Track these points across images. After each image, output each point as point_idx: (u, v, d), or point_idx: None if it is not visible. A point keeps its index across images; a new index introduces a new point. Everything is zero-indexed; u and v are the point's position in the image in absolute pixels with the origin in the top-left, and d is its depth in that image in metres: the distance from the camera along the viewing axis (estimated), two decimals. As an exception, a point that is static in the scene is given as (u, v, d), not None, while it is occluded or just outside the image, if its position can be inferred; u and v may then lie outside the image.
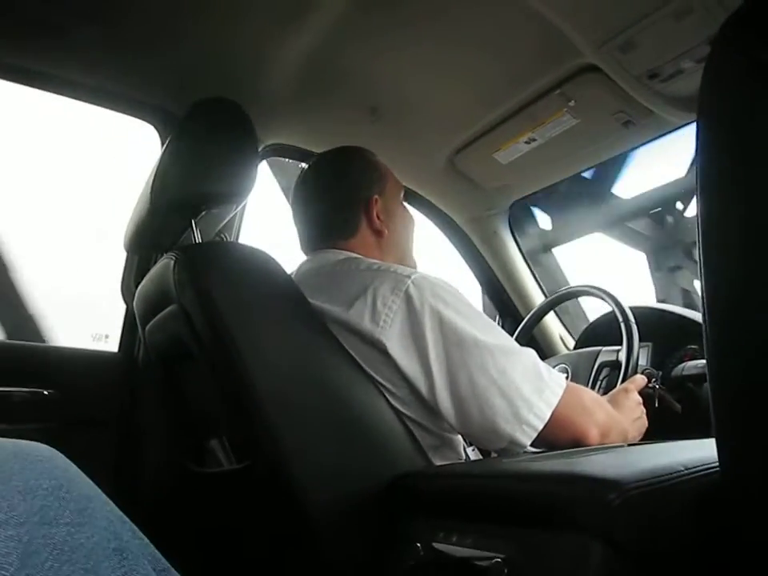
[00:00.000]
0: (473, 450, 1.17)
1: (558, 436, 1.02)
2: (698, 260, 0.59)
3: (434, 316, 1.03)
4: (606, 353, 1.70)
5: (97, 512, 0.55)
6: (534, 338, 2.05)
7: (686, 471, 0.68)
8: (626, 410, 1.19)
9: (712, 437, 0.62)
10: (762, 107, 0.53)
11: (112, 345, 1.78)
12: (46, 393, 1.56)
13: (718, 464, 0.64)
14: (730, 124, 0.57)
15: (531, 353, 1.07)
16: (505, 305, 2.31)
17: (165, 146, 1.24)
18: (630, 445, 1.07)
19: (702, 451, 0.74)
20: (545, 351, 2.20)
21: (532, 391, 1.00)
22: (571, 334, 2.29)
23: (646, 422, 1.23)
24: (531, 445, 1.02)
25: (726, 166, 0.57)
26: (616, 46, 1.34)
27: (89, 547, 0.52)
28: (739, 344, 0.57)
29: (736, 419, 0.60)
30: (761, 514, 0.60)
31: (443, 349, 1.02)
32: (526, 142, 1.77)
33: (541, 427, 1.00)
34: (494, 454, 1.25)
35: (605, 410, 1.11)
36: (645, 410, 1.25)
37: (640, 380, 1.33)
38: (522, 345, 1.09)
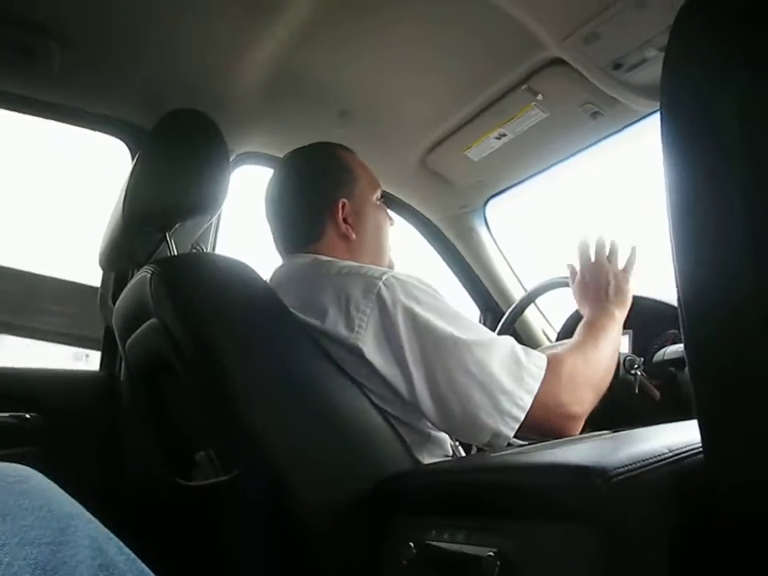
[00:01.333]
0: (457, 446, 1.17)
1: (542, 420, 1.02)
2: (670, 247, 0.60)
3: (407, 316, 1.02)
4: (588, 343, 1.70)
5: (80, 529, 0.55)
6: (516, 332, 2.06)
7: (670, 454, 0.68)
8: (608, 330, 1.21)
9: (693, 419, 0.63)
10: (722, 90, 0.54)
11: (93, 364, 1.77)
12: (28, 416, 1.54)
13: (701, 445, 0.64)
14: (692, 109, 0.57)
15: (507, 340, 1.06)
16: (485, 301, 2.31)
17: (135, 160, 1.24)
18: (615, 431, 1.07)
19: (686, 434, 0.74)
20: (527, 345, 2.20)
21: (512, 381, 1.00)
22: (553, 327, 2.30)
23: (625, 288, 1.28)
24: (519, 435, 1.02)
25: (691, 152, 0.57)
26: (579, 38, 1.36)
27: (72, 565, 0.52)
28: (716, 326, 0.58)
29: (716, 401, 0.61)
30: (744, 494, 0.61)
31: (419, 348, 1.01)
32: (496, 138, 1.77)
33: (523, 417, 0.99)
34: (474, 450, 1.25)
35: (589, 368, 1.11)
36: (627, 278, 1.32)
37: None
38: None
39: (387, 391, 1.04)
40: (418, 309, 1.02)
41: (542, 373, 1.03)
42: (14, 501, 0.53)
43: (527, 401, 1.00)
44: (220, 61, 1.51)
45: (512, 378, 1.00)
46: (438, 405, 1.01)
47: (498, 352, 1.02)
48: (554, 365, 1.05)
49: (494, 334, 1.08)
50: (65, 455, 1.54)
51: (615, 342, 1.19)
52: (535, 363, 1.03)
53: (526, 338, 2.24)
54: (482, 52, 1.50)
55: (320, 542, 0.95)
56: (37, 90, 1.53)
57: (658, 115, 0.60)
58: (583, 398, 1.06)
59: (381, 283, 1.04)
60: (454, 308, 1.08)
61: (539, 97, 1.59)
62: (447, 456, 1.12)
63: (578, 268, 1.37)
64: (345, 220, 1.23)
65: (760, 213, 0.52)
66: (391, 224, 1.33)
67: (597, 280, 1.30)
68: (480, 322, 2.32)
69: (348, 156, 1.30)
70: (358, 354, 1.02)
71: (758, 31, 0.52)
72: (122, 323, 1.25)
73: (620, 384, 1.49)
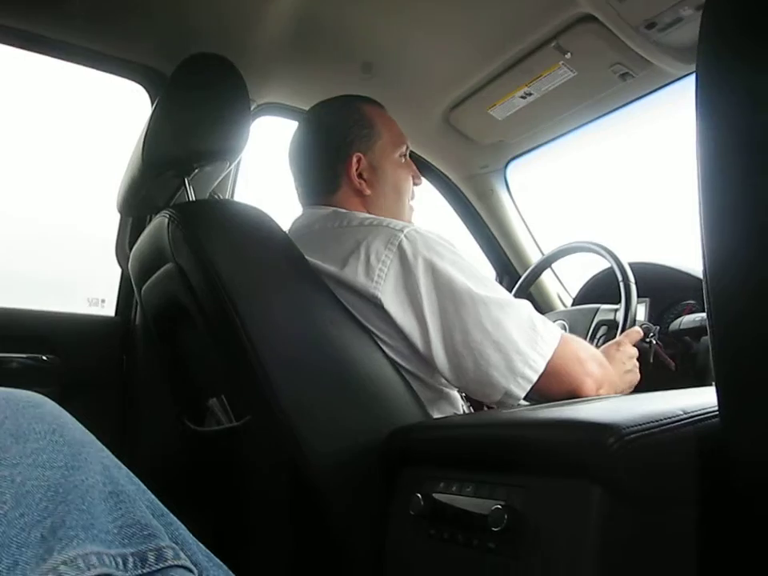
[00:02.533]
0: (469, 405, 1.17)
1: (552, 387, 1.03)
2: (698, 214, 0.59)
3: (427, 269, 1.02)
4: (604, 311, 1.69)
5: (91, 456, 0.55)
6: (531, 296, 2.05)
7: (685, 416, 0.68)
8: (616, 363, 1.20)
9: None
10: (764, 53, 0.52)
11: (108, 309, 1.78)
12: (44, 358, 1.57)
13: (717, 409, 0.64)
14: (730, 73, 0.55)
15: (526, 304, 1.07)
16: (502, 263, 2.31)
17: (155, 104, 1.22)
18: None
19: (701, 398, 0.74)
20: (542, 309, 2.20)
21: (526, 343, 1.01)
22: (569, 292, 2.29)
23: (638, 376, 1.24)
24: (526, 397, 1.02)
25: (726, 119, 0.56)
26: (613, -6, 1.32)
27: (83, 489, 0.52)
28: (744, 297, 0.57)
29: (736, 364, 0.60)
30: (759, 458, 0.60)
31: (437, 301, 1.02)
32: (521, 97, 1.74)
33: (535, 379, 1.00)
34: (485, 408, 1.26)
35: (599, 361, 1.11)
36: (637, 364, 1.26)
37: (635, 333, 1.33)
38: None
39: (402, 344, 1.04)
40: (438, 262, 1.03)
41: (557, 341, 1.04)
42: (27, 424, 0.54)
43: (541, 364, 1.01)
44: (243, 7, 1.47)
45: (527, 340, 1.01)
46: (451, 360, 1.02)
47: (515, 313, 1.03)
48: (567, 338, 1.07)
49: (512, 296, 1.08)
50: (80, 397, 1.56)
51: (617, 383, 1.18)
52: (550, 331, 1.04)
53: (542, 302, 2.23)
54: (511, 6, 1.46)
55: (329, 490, 0.95)
56: (57, 31, 1.51)
57: (689, 79, 0.58)
58: (593, 371, 1.07)
59: (402, 235, 1.05)
60: (474, 265, 1.08)
61: (568, 55, 1.55)
62: (457, 414, 1.13)
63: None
64: (360, 175, 1.23)
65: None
66: (417, 183, 1.32)
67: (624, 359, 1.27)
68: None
69: (371, 110, 1.28)
70: (377, 303, 1.02)
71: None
72: (138, 268, 1.25)
73: (635, 352, 1.49)
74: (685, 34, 1.36)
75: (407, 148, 1.31)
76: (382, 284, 1.02)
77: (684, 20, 1.33)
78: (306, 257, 1.07)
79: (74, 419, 0.59)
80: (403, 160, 1.29)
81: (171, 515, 0.58)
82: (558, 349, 1.03)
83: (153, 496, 0.58)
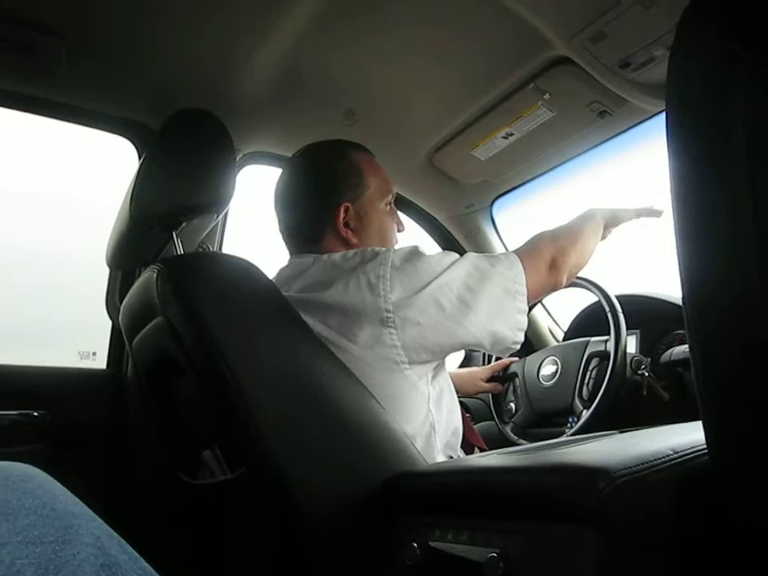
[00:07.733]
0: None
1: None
2: (675, 248, 0.60)
3: (425, 270, 1.07)
4: (595, 343, 1.70)
5: (83, 528, 0.54)
6: (522, 331, 2.05)
7: (674, 455, 0.68)
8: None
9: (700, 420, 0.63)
10: (727, 92, 0.54)
11: (100, 362, 1.78)
12: (35, 414, 1.55)
13: (706, 446, 0.64)
14: (698, 111, 0.57)
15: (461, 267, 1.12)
16: (492, 300, 2.30)
17: (142, 159, 1.24)
18: (621, 431, 1.07)
19: (691, 435, 0.74)
20: (534, 344, 2.20)
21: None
22: (560, 326, 2.29)
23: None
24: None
25: (696, 154, 0.57)
26: (587, 37, 1.35)
27: (75, 564, 0.51)
28: (721, 327, 0.58)
29: (721, 401, 0.61)
30: (749, 494, 0.61)
31: (447, 291, 1.07)
32: (503, 137, 1.77)
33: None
34: (476, 450, 1.24)
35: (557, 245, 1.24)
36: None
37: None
38: None
39: (425, 354, 1.08)
40: (430, 267, 1.09)
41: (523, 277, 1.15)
42: (16, 500, 0.53)
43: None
44: (225, 61, 1.51)
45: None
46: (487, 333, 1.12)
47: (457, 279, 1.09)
48: (524, 257, 1.17)
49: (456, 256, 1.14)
50: (72, 452, 1.55)
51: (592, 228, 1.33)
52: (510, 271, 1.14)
53: (533, 337, 2.23)
54: (490, 51, 1.50)
55: (325, 541, 0.94)
56: (43, 89, 1.53)
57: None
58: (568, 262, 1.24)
59: (390, 252, 1.09)
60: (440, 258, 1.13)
61: (546, 96, 1.58)
62: (452, 455, 1.12)
63: None
64: (347, 224, 1.22)
65: (765, 214, 0.52)
66: (400, 230, 1.32)
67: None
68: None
69: (359, 157, 1.28)
70: (389, 323, 1.05)
71: (761, 33, 0.52)
72: (128, 322, 1.25)
73: (628, 384, 1.50)
74: (658, 72, 1.40)
75: (393, 196, 1.30)
76: (390, 295, 1.05)
77: (656, 59, 1.36)
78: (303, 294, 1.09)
79: (65, 490, 0.58)
80: (389, 208, 1.29)
81: None
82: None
83: (146, 564, 0.57)
